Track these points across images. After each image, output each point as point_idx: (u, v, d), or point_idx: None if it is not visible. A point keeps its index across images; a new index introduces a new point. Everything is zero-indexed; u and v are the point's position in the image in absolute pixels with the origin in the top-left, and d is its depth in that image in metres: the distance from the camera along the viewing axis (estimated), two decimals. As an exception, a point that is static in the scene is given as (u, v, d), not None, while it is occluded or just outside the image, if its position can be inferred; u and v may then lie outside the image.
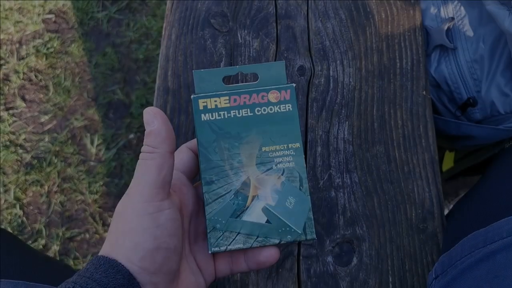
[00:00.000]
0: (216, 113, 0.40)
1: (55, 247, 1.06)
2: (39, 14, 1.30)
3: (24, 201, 1.11)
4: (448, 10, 0.63)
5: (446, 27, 0.61)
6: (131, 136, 1.17)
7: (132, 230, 0.32)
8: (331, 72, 0.59)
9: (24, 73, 1.24)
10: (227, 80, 0.58)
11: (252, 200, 0.39)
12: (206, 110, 0.40)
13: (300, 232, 0.38)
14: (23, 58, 1.26)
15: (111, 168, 1.14)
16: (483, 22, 0.60)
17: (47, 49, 1.26)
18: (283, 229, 0.38)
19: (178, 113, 0.57)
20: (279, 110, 0.40)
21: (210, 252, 0.38)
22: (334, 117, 0.57)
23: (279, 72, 0.41)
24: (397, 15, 0.62)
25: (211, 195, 0.39)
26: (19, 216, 1.10)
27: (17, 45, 1.27)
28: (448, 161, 0.80)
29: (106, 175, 1.13)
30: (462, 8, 0.62)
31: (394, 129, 0.56)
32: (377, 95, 0.58)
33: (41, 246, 1.06)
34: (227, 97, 0.40)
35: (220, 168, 0.39)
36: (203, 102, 0.40)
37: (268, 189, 0.39)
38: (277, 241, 0.38)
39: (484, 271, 0.38)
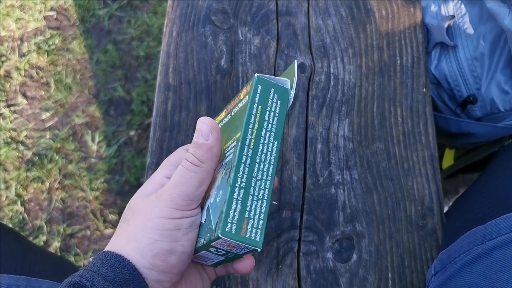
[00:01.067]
0: (220, 126, 0.40)
1: (56, 244, 1.06)
2: (40, 11, 1.30)
3: (25, 197, 1.12)
4: (449, 8, 0.63)
5: (446, 25, 0.61)
6: (132, 133, 1.17)
7: (154, 229, 0.33)
8: (331, 69, 0.59)
9: (25, 70, 1.24)
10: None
11: (207, 199, 0.36)
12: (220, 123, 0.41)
13: (213, 228, 0.33)
14: (24, 55, 1.26)
15: (112, 165, 1.14)
16: (483, 20, 0.60)
17: (49, 46, 1.26)
18: (209, 227, 0.34)
19: (179, 109, 0.58)
20: (242, 104, 0.37)
21: None
22: (334, 114, 0.57)
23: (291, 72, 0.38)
24: (398, 13, 0.62)
25: None
26: (20, 213, 1.10)
27: (19, 42, 1.27)
28: (448, 158, 0.80)
29: (107, 172, 1.13)
30: (462, 6, 0.62)
31: (394, 126, 0.57)
32: (377, 92, 0.58)
33: (42, 243, 1.07)
34: (224, 109, 0.41)
35: None
36: (217, 121, 0.42)
37: (214, 187, 0.36)
38: (201, 241, 0.35)
39: (482, 267, 0.39)
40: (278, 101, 0.37)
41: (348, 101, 0.58)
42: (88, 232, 1.08)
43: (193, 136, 0.56)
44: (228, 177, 0.34)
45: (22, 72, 1.24)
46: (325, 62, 0.59)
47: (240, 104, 0.37)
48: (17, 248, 0.52)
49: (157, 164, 0.55)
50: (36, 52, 1.26)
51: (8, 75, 1.24)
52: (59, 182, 1.12)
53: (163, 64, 0.60)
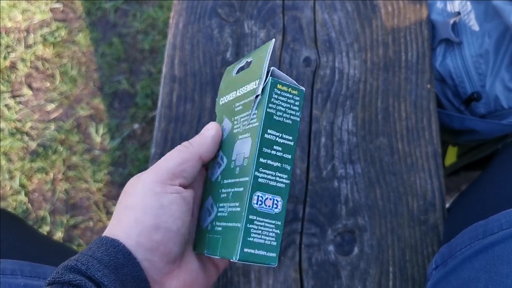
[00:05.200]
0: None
1: (59, 234, 1.07)
2: (46, 3, 1.30)
3: (29, 188, 1.12)
4: (454, 5, 0.63)
5: (452, 22, 0.62)
6: (136, 126, 1.18)
7: (135, 205, 0.33)
8: (336, 64, 0.59)
9: (31, 62, 1.25)
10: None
11: None
12: None
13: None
14: (30, 47, 1.26)
15: (116, 158, 1.15)
16: (489, 17, 0.60)
17: (54, 38, 1.27)
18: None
19: (184, 101, 0.58)
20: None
21: None
22: (338, 108, 0.57)
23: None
24: (404, 9, 0.62)
25: None
26: (24, 203, 1.11)
27: (25, 34, 1.28)
28: (451, 155, 0.80)
29: (110, 164, 1.14)
30: (468, 3, 0.62)
31: (398, 122, 0.57)
32: (381, 87, 0.58)
33: (45, 233, 1.07)
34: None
35: None
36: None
37: None
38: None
39: (483, 262, 0.39)
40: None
41: (352, 96, 0.58)
42: (91, 223, 1.09)
43: (197, 127, 0.57)
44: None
45: (28, 64, 1.24)
46: (330, 57, 0.60)
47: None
48: (21, 234, 0.52)
49: (161, 155, 0.56)
50: (42, 44, 1.26)
51: (14, 66, 1.24)
52: (63, 173, 1.13)
53: (169, 56, 0.60)
